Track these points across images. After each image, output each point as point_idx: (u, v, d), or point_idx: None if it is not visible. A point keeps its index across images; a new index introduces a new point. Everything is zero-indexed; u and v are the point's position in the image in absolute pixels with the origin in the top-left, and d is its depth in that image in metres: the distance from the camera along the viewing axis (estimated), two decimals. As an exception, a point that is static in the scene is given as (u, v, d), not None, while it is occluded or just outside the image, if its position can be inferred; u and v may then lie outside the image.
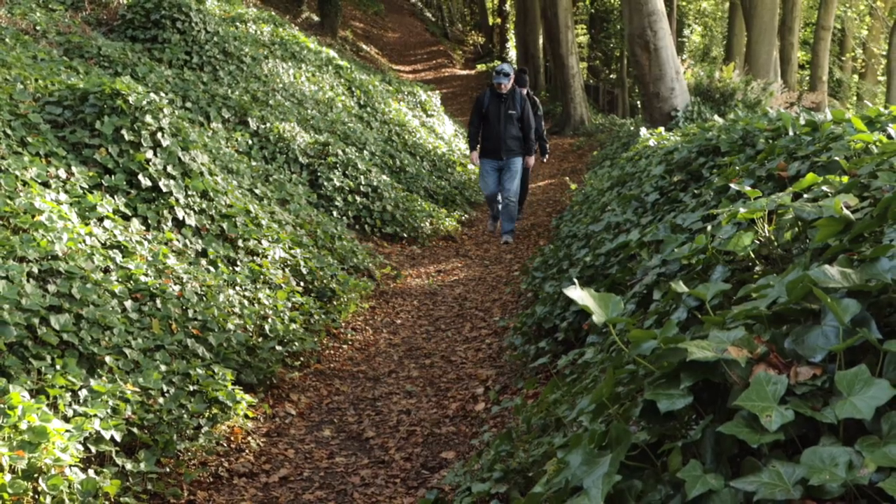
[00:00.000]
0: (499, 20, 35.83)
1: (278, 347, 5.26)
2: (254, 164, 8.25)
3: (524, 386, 4.64)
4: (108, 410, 3.72)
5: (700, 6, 28.81)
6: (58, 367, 3.87)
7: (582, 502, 1.63)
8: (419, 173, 11.53)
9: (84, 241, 4.80)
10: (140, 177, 5.78)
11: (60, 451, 3.26)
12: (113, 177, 5.67)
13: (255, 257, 6.30)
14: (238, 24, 12.65)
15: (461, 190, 12.29)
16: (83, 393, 3.80)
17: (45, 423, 3.26)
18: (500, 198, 9.87)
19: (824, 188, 2.70)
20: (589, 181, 9.70)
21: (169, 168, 6.00)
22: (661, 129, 9.30)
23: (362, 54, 23.81)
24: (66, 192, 5.20)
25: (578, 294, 1.98)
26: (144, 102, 6.08)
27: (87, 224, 5.01)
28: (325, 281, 6.70)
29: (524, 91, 10.16)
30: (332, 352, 5.97)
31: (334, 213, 8.87)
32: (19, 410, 3.24)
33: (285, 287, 6.07)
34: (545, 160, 11.24)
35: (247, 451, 4.31)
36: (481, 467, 3.49)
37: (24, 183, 4.92)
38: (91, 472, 3.40)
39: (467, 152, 15.45)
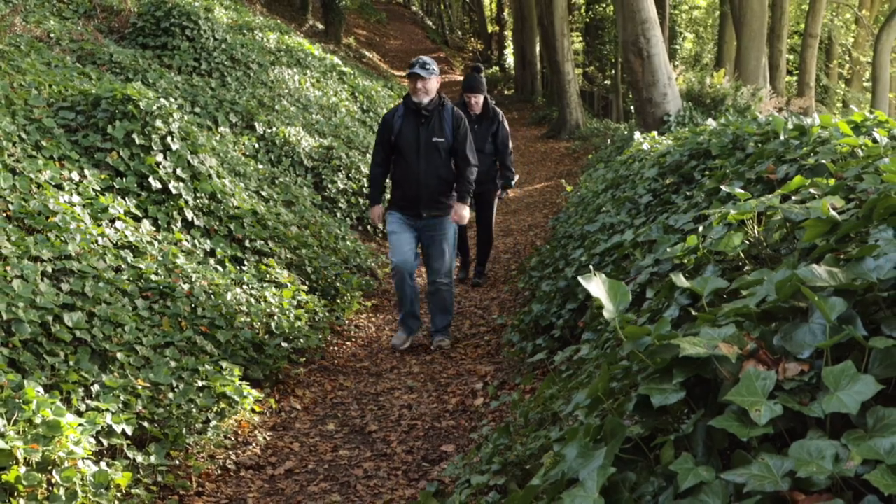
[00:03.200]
0: (497, 28, 35.82)
1: (284, 344, 5.26)
2: (260, 167, 8.25)
3: (522, 381, 4.64)
4: (120, 405, 3.73)
5: (692, 14, 28.80)
6: (71, 363, 3.87)
7: (578, 494, 1.63)
8: (420, 176, 11.51)
9: (96, 241, 4.80)
10: (150, 179, 5.78)
11: (73, 444, 3.26)
12: (124, 179, 5.67)
13: (261, 257, 6.30)
14: (245, 31, 12.65)
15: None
16: (95, 388, 3.80)
17: (58, 418, 3.26)
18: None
19: (812, 190, 2.70)
20: (584, 183, 9.69)
21: (178, 171, 6.00)
22: (654, 133, 9.29)
23: (365, 61, 23.80)
24: (79, 193, 5.20)
25: (592, 285, 1.99)
26: (155, 107, 6.08)
27: (99, 225, 5.01)
28: (329, 280, 6.69)
29: (475, 100, 7.27)
30: (336, 348, 5.97)
31: (338, 214, 8.86)
32: (34, 405, 3.24)
33: (291, 286, 6.06)
34: (504, 196, 7.95)
35: (253, 444, 4.31)
36: (480, 460, 3.49)
37: (39, 185, 4.92)
38: (103, 464, 3.40)
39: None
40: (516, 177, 7.91)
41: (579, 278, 2.01)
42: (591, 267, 3.99)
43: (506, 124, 7.40)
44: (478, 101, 7.26)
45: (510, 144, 7.45)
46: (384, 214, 6.03)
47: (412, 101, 5.52)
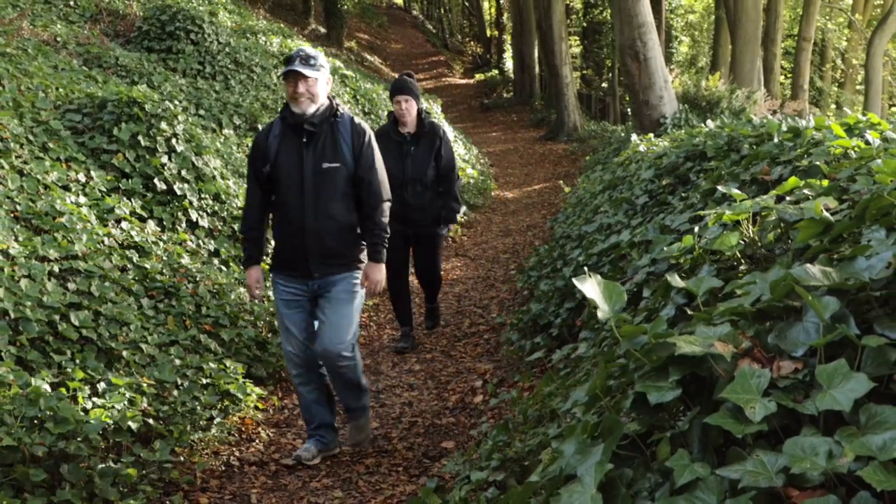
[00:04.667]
0: (496, 32, 35.82)
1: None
2: (263, 168, 8.24)
3: (520, 379, 4.64)
4: (126, 402, 3.73)
5: (687, 19, 28.80)
6: (77, 361, 3.87)
7: (576, 490, 1.63)
8: (421, 177, 11.50)
9: (103, 241, 4.80)
10: (156, 180, 5.78)
11: (80, 441, 3.26)
12: (130, 180, 5.67)
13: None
14: (248, 35, 12.65)
15: (460, 193, 12.26)
16: (102, 386, 3.80)
17: (65, 415, 3.26)
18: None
19: (805, 191, 2.70)
20: (582, 185, 9.70)
21: (183, 172, 6.00)
22: (651, 135, 9.29)
23: (366, 64, 23.80)
24: (86, 195, 5.20)
25: (587, 287, 1.98)
26: (160, 110, 6.08)
27: (105, 225, 5.01)
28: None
29: (406, 105, 5.52)
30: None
31: (340, 214, 8.85)
32: (41, 402, 3.24)
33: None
34: (445, 232, 5.99)
35: (257, 441, 4.31)
36: (480, 456, 3.49)
37: (46, 186, 4.92)
38: (109, 460, 3.40)
39: (466, 156, 15.34)
40: (462, 208, 6.28)
41: (574, 280, 2.01)
42: (585, 268, 4.00)
43: (450, 142, 5.72)
44: (409, 107, 5.46)
45: (457, 168, 5.78)
46: (268, 278, 4.37)
47: (291, 111, 3.71)
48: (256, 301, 4.10)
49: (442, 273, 6.38)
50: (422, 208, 5.59)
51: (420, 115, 5.57)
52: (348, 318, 3.83)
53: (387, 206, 3.85)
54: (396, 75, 6.36)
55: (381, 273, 3.84)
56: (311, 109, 3.71)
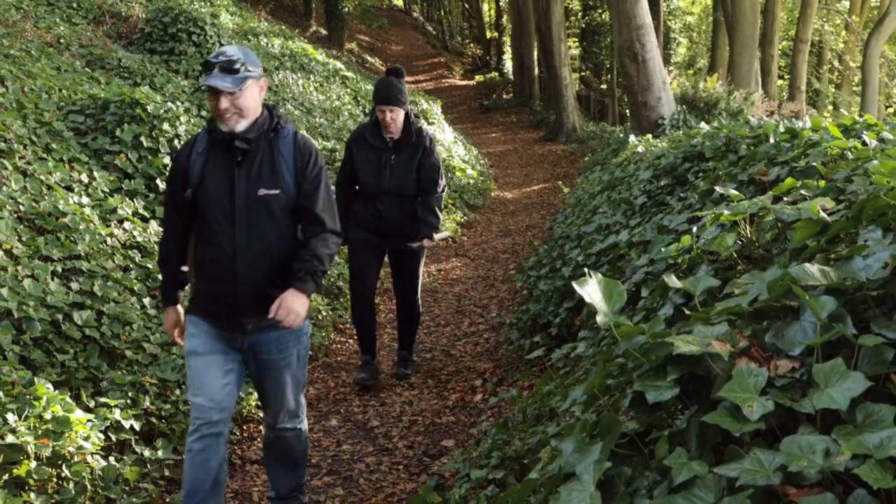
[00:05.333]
0: (496, 34, 35.82)
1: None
2: (265, 169, 8.24)
3: (520, 378, 4.64)
4: (128, 401, 3.73)
5: (686, 20, 28.80)
6: (80, 360, 3.87)
7: (574, 488, 1.63)
8: (421, 178, 11.50)
9: (105, 241, 4.80)
10: (158, 181, 5.78)
11: (83, 439, 3.26)
12: (132, 181, 5.67)
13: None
14: (250, 37, 12.65)
15: (460, 193, 12.28)
16: (104, 384, 3.80)
17: (68, 413, 3.26)
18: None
19: (803, 192, 2.70)
20: (581, 185, 9.70)
21: (185, 173, 6.00)
22: (649, 136, 9.30)
23: (367, 66, 23.80)
24: (89, 195, 5.20)
25: (586, 291, 1.97)
26: (162, 111, 6.08)
27: (108, 225, 5.01)
28: (331, 279, 6.69)
29: (392, 116, 4.73)
30: (338, 346, 5.97)
31: (341, 215, 8.85)
32: (44, 401, 3.24)
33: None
34: (418, 249, 5.06)
35: (258, 439, 4.31)
36: (479, 455, 3.49)
37: (49, 187, 4.92)
38: (112, 459, 3.40)
39: (465, 157, 15.35)
40: (445, 232, 5.55)
41: (573, 283, 2.00)
42: (586, 269, 4.00)
43: (437, 153, 4.93)
44: (395, 117, 4.69)
45: (442, 182, 4.95)
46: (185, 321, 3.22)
47: (219, 127, 2.97)
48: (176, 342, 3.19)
49: (421, 300, 5.49)
50: (399, 224, 4.83)
51: (408, 119, 4.78)
52: (290, 384, 3.13)
53: (333, 238, 3.04)
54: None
55: (300, 304, 2.91)
56: (243, 126, 2.95)
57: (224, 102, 2.90)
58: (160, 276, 3.26)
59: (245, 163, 2.99)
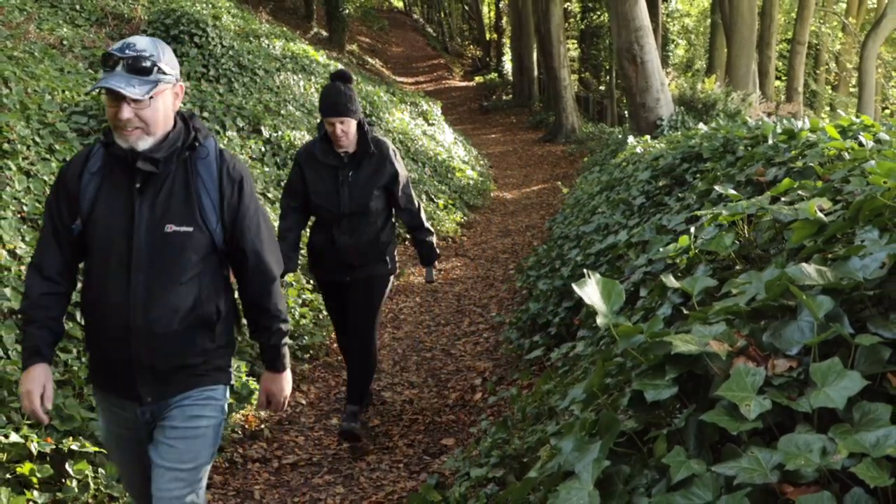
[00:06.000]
0: (495, 35, 35.82)
1: (289, 341, 5.26)
2: (266, 169, 8.25)
3: (519, 377, 4.64)
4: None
5: (684, 22, 28.79)
6: (83, 359, 3.87)
7: (574, 486, 1.63)
8: (421, 178, 11.52)
9: (108, 241, 4.80)
10: (160, 182, 5.78)
11: (86, 437, 3.26)
12: (135, 182, 5.67)
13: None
14: (252, 39, 12.65)
15: (460, 194, 12.28)
16: (107, 384, 3.79)
17: (71, 412, 3.26)
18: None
19: (800, 192, 2.70)
20: (580, 185, 9.70)
21: (187, 173, 6.00)
22: (648, 136, 9.29)
23: (368, 67, 23.80)
24: (91, 195, 5.19)
25: (586, 291, 1.97)
26: (164, 112, 6.07)
27: (110, 226, 5.01)
28: (333, 279, 6.69)
29: (342, 128, 4.02)
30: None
31: (342, 215, 8.85)
32: (47, 400, 3.23)
33: (296, 285, 6.06)
34: (432, 279, 4.65)
35: (260, 438, 4.31)
36: (479, 453, 3.49)
37: (52, 187, 4.92)
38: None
39: (465, 158, 15.37)
40: (436, 267, 4.92)
41: (573, 285, 2.00)
42: (585, 269, 4.01)
43: (400, 163, 4.21)
44: (346, 129, 3.99)
45: (415, 196, 4.31)
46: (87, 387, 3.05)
47: (117, 142, 2.28)
48: (40, 417, 2.28)
49: (379, 341, 4.81)
50: (361, 249, 4.07)
51: (361, 128, 4.07)
52: (194, 459, 2.33)
53: (273, 286, 2.42)
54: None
55: (286, 386, 2.53)
56: (148, 143, 2.23)
57: (126, 112, 2.19)
58: (24, 325, 2.35)
59: (150, 190, 2.25)
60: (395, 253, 4.26)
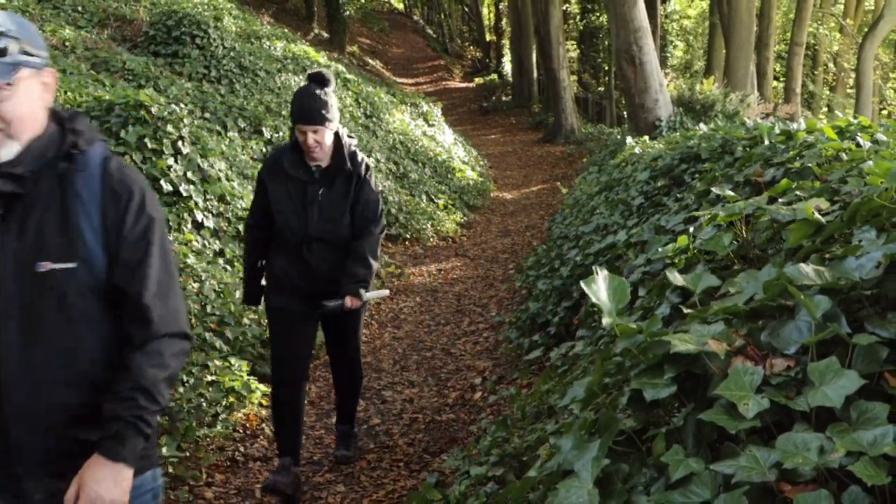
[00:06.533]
0: (495, 37, 35.82)
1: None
2: (268, 170, 8.25)
3: (519, 377, 4.64)
4: (133, 399, 3.72)
5: (682, 24, 28.79)
6: None
7: (573, 484, 1.63)
8: (421, 179, 11.53)
9: (110, 241, 4.80)
10: (162, 182, 5.78)
11: (88, 436, 3.25)
12: (137, 182, 5.67)
13: None
14: (253, 40, 12.65)
15: (460, 194, 12.28)
16: (109, 383, 3.79)
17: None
18: None
19: (798, 193, 2.70)
20: (579, 186, 9.69)
21: (189, 174, 6.00)
22: (646, 137, 9.29)
23: (368, 68, 23.80)
24: (94, 196, 5.20)
25: (593, 289, 1.97)
26: (166, 113, 6.08)
27: (112, 226, 5.01)
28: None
29: (315, 138, 3.49)
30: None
31: (342, 215, 8.85)
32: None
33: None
34: (349, 302, 3.60)
35: (261, 436, 4.31)
36: (479, 452, 3.49)
37: (55, 188, 4.92)
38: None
39: (465, 158, 15.38)
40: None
41: (581, 283, 2.00)
42: (594, 267, 3.99)
43: (375, 185, 3.72)
44: (320, 138, 3.47)
45: (381, 222, 3.72)
46: None
47: None
48: None
49: (363, 361, 4.34)
50: (333, 275, 3.58)
51: (339, 141, 3.54)
52: None
53: (173, 347, 1.79)
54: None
55: (112, 486, 1.67)
56: (10, 151, 1.67)
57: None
58: None
59: (14, 217, 1.68)
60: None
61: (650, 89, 11.16)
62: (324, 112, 3.42)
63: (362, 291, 3.56)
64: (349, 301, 3.55)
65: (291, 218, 3.52)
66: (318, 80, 3.50)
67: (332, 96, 3.49)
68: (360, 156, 3.64)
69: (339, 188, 3.55)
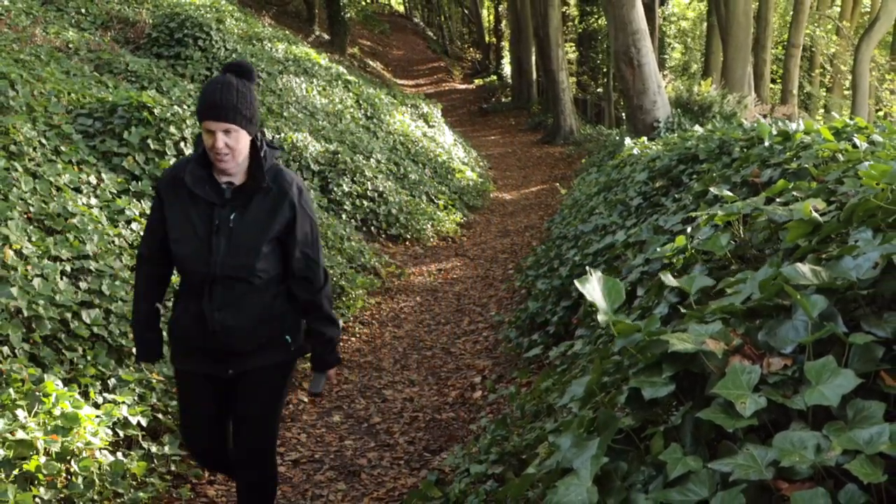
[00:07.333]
0: (495, 39, 35.81)
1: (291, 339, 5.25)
2: (269, 170, 8.25)
3: (518, 375, 4.64)
4: (135, 398, 3.73)
5: (680, 26, 28.78)
6: (89, 357, 3.87)
7: (572, 482, 1.63)
8: (421, 179, 11.52)
9: (113, 241, 4.80)
10: (164, 183, 5.78)
11: (91, 435, 3.26)
12: (140, 182, 5.67)
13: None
14: (255, 42, 12.65)
15: (460, 195, 12.28)
16: (112, 381, 3.80)
17: (77, 410, 3.26)
18: None
19: (794, 193, 2.70)
20: (578, 186, 9.69)
21: (191, 175, 6.00)
22: (645, 138, 9.29)
23: (369, 70, 23.79)
24: (97, 196, 5.20)
25: (588, 289, 1.97)
26: (169, 114, 6.08)
27: (115, 226, 5.01)
28: (334, 278, 6.69)
29: (224, 139, 2.52)
30: (341, 344, 5.97)
31: (343, 216, 8.86)
32: (53, 398, 3.24)
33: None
34: (319, 391, 2.86)
35: (263, 435, 4.30)
36: (479, 450, 3.49)
37: (58, 188, 4.92)
38: (119, 454, 3.40)
39: (465, 159, 15.36)
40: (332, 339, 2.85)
41: (576, 282, 2.00)
42: (587, 268, 3.98)
43: (309, 208, 2.76)
44: (233, 143, 2.57)
45: (323, 260, 2.82)
46: None
47: None
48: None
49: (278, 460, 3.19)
50: (246, 330, 2.64)
51: (255, 149, 2.64)
52: None
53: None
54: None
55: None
56: None
57: None
58: None
59: None
60: (301, 324, 2.79)
61: (648, 91, 11.15)
62: (239, 107, 2.55)
63: (338, 353, 2.85)
64: (331, 373, 2.90)
65: (190, 249, 2.60)
66: (238, 69, 2.66)
67: (252, 92, 2.65)
68: (288, 173, 2.73)
69: (256, 212, 2.62)
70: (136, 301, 2.82)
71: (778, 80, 23.66)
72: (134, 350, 2.71)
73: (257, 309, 2.65)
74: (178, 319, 2.71)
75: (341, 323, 3.24)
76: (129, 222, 5.20)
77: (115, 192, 5.40)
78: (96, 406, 3.53)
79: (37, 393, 3.25)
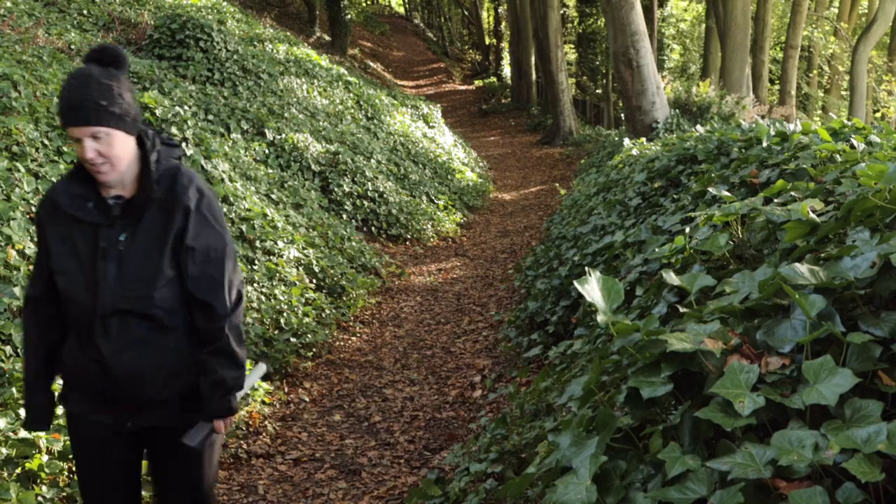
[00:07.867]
0: (494, 40, 35.81)
1: (292, 339, 5.26)
2: (270, 171, 8.25)
3: (518, 374, 4.64)
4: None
5: (679, 27, 28.78)
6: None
7: (571, 481, 1.63)
8: (422, 180, 11.52)
9: (115, 241, 4.80)
10: (166, 183, 5.79)
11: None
12: (141, 183, 5.67)
13: (271, 257, 6.30)
14: (256, 43, 12.64)
15: (460, 195, 12.28)
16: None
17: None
18: None
19: (792, 193, 2.69)
20: (577, 187, 9.69)
21: (192, 175, 6.00)
22: (643, 139, 9.29)
23: (370, 71, 23.80)
24: (99, 197, 5.20)
25: (587, 289, 1.97)
26: (170, 115, 6.08)
27: (117, 226, 5.01)
28: (335, 278, 6.69)
29: (94, 145, 2.00)
30: (342, 343, 5.97)
31: (344, 216, 8.86)
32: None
33: (299, 284, 6.06)
34: (218, 426, 2.22)
35: (264, 434, 4.31)
36: (479, 449, 3.49)
37: (60, 189, 4.92)
38: (121, 453, 3.39)
39: (465, 160, 15.38)
40: (260, 368, 2.70)
41: (575, 282, 2.00)
42: (586, 268, 3.98)
43: (216, 217, 2.21)
44: (107, 149, 2.04)
45: (235, 286, 2.24)
46: None
47: None
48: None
49: None
50: (146, 377, 2.16)
51: (143, 150, 2.16)
52: None
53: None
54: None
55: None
56: None
57: None
58: None
59: None
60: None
61: (647, 92, 11.15)
62: (104, 104, 2.03)
63: (233, 401, 2.27)
64: (219, 425, 2.26)
65: (74, 280, 2.14)
66: (102, 58, 2.10)
67: (123, 82, 2.10)
68: (188, 174, 2.21)
69: (150, 229, 2.14)
70: (25, 353, 2.25)
71: (776, 81, 23.66)
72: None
73: (168, 351, 2.16)
74: (68, 359, 2.20)
75: (261, 369, 2.69)
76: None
77: (117, 192, 5.41)
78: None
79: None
